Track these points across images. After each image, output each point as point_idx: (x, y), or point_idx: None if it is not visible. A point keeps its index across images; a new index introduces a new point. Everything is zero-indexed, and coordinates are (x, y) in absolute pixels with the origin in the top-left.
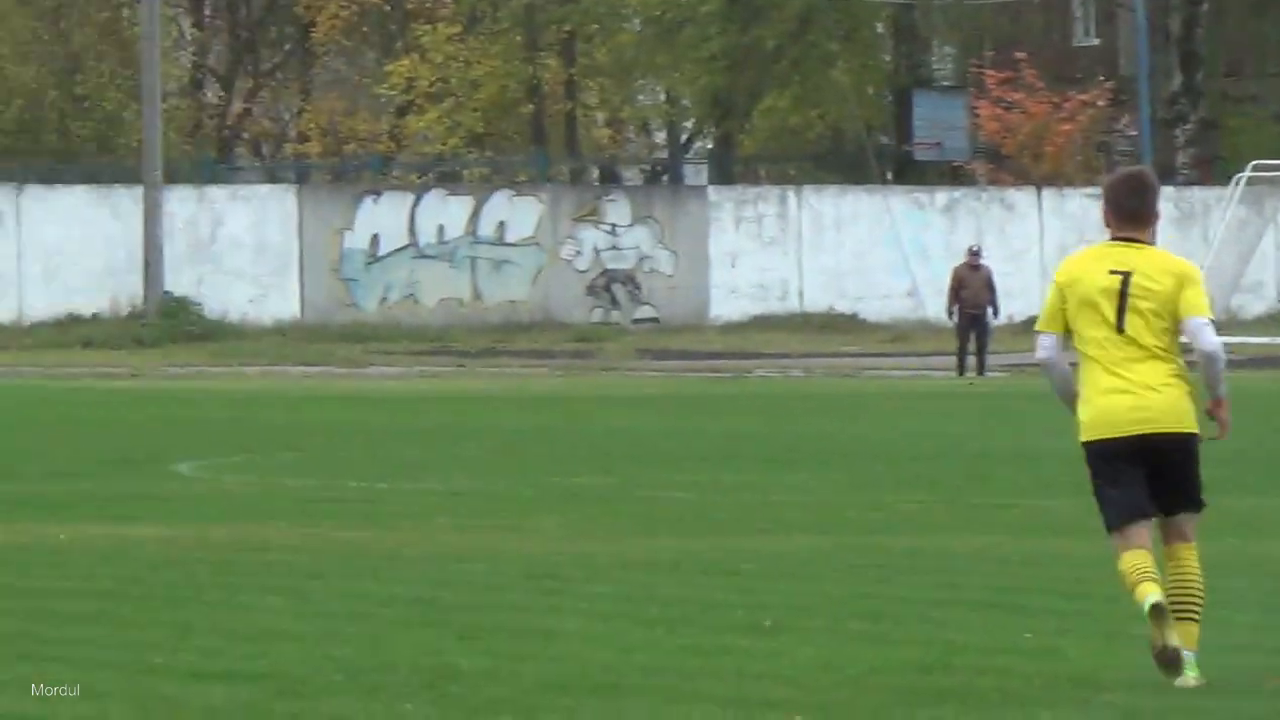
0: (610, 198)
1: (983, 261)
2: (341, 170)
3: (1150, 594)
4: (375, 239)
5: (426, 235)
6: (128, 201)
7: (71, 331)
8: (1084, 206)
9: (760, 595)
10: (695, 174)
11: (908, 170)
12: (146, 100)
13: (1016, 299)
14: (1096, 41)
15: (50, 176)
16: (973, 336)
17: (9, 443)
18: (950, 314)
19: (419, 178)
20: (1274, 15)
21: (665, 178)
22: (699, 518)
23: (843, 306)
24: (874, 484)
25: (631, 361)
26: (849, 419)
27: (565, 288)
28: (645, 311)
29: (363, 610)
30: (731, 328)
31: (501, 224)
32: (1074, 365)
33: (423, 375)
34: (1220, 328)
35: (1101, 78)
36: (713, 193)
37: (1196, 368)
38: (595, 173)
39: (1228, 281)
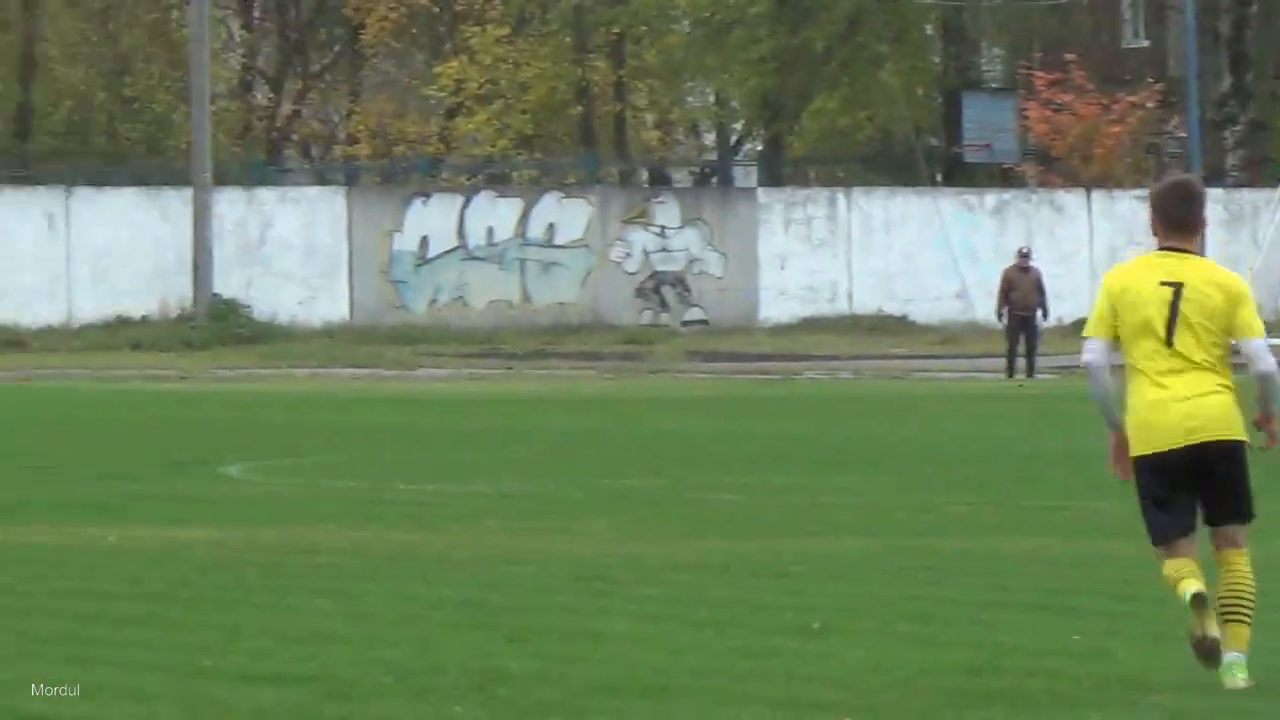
0: (659, 200)
1: (1032, 263)
2: (391, 172)
3: (1191, 586)
4: (424, 241)
5: (476, 237)
6: (177, 204)
7: (120, 334)
8: (1133, 208)
9: (809, 597)
10: (744, 176)
11: (957, 172)
12: (195, 102)
13: (1066, 301)
14: (1146, 43)
15: (99, 179)
16: (1022, 338)
17: (58, 445)
18: (1000, 316)
19: (468, 180)
20: None
21: (714, 180)
22: (748, 520)
23: (892, 308)
24: (923, 486)
25: (681, 364)
26: (898, 421)
27: (614, 290)
28: (694, 313)
29: (412, 613)
30: (781, 330)
31: (551, 226)
32: (1117, 367)
33: (472, 377)
34: (1268, 328)
35: (1151, 79)
36: (762, 195)
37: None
38: (644, 175)
39: (1275, 282)
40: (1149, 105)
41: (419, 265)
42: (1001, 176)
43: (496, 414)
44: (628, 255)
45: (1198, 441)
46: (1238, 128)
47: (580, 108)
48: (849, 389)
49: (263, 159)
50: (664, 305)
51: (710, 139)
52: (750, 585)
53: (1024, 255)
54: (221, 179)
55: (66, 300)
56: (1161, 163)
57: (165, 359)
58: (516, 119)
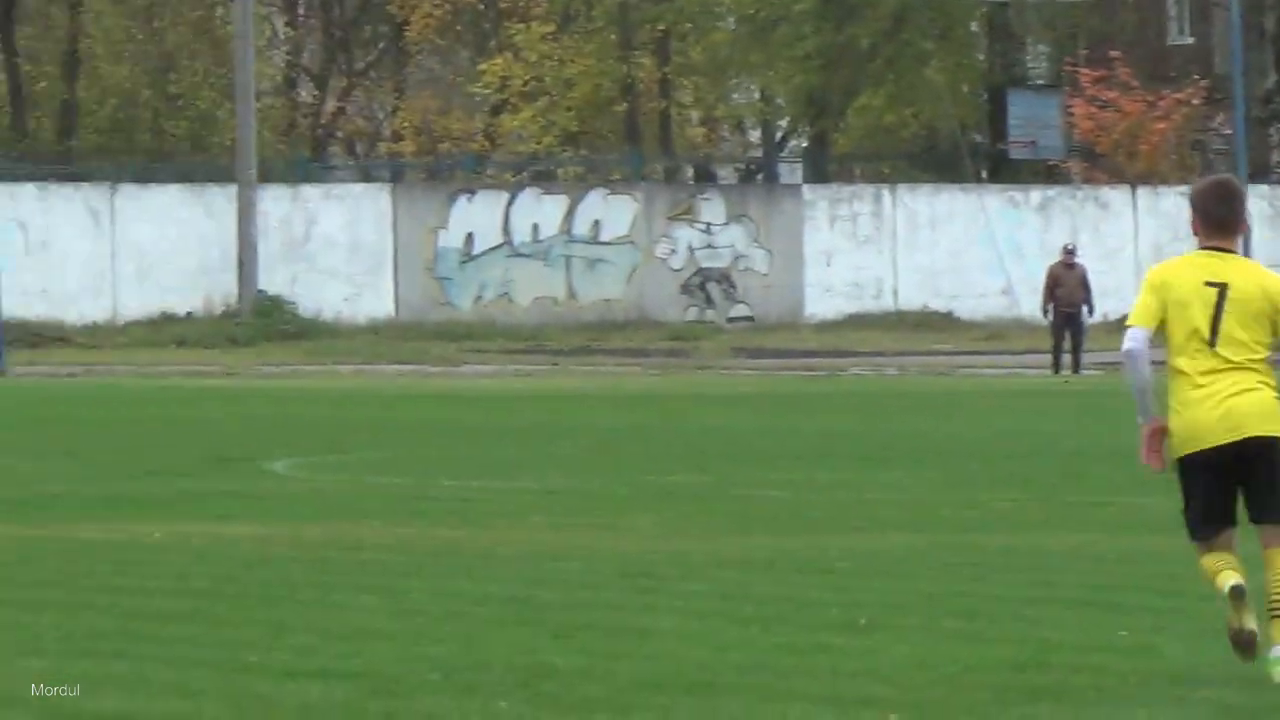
0: (705, 196)
1: (1077, 260)
2: (436, 169)
3: (1230, 579)
4: (470, 238)
5: (521, 234)
6: (221, 200)
7: (165, 331)
8: (1178, 205)
9: (855, 593)
10: (790, 172)
11: (1002, 169)
12: (240, 99)
13: (1111, 297)
14: (1191, 40)
15: (144, 176)
16: (1067, 335)
17: (103, 442)
18: (1045, 312)
19: (513, 176)
20: None
21: (760, 176)
22: (794, 516)
23: (937, 305)
24: (969, 482)
25: (726, 360)
26: (943, 417)
27: (660, 286)
28: (740, 310)
29: (457, 609)
30: (826, 326)
31: (596, 223)
32: (1157, 363)
33: (517, 374)
34: None
35: (1196, 76)
36: (807, 191)
37: None
38: (690, 171)
39: None
40: (1194, 102)
41: (464, 262)
42: (1046, 173)
43: (541, 410)
44: (673, 252)
45: (1238, 439)
46: None
47: (625, 104)
48: (894, 385)
49: (307, 156)
50: (709, 302)
51: (755, 136)
52: (795, 581)
53: (1069, 252)
54: (266, 176)
55: (111, 297)
56: (1206, 159)
57: (210, 355)
58: (562, 116)
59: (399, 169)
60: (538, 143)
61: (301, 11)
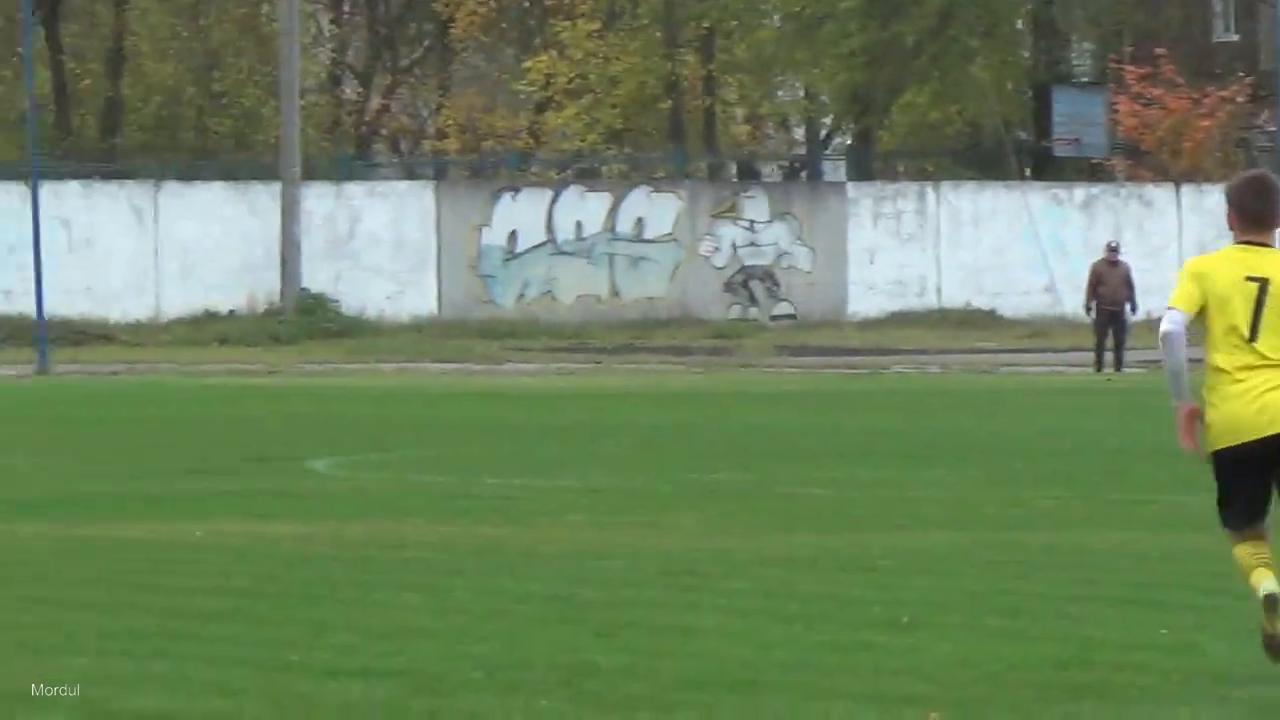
0: (748, 194)
1: (1121, 258)
2: (480, 167)
3: (1265, 583)
4: (513, 235)
5: (564, 232)
6: (265, 198)
7: (208, 328)
8: (1222, 203)
9: (898, 591)
10: (834, 170)
11: (1046, 166)
12: (285, 97)
13: (1154, 295)
14: (1236, 37)
15: (188, 173)
16: (1110, 332)
17: (145, 440)
18: (1088, 310)
19: (557, 174)
20: None
21: (804, 174)
22: (837, 514)
23: (980, 302)
24: (1012, 480)
25: (769, 358)
26: (986, 415)
27: (703, 284)
28: (783, 308)
29: (500, 607)
30: (869, 324)
31: (639, 220)
32: (1194, 363)
33: (560, 372)
34: None
35: (1241, 73)
36: (851, 189)
37: None
38: (734, 169)
39: None
40: (1239, 99)
41: (507, 260)
42: (1090, 171)
43: (585, 409)
44: (716, 250)
45: (1276, 432)
46: None
47: (670, 102)
48: (937, 383)
49: (351, 153)
50: (752, 300)
51: (799, 133)
52: (839, 579)
53: (1113, 249)
54: (310, 174)
55: (155, 295)
56: (1251, 157)
57: (252, 354)
58: (606, 113)
59: (443, 166)
60: (582, 140)
61: (346, 9)
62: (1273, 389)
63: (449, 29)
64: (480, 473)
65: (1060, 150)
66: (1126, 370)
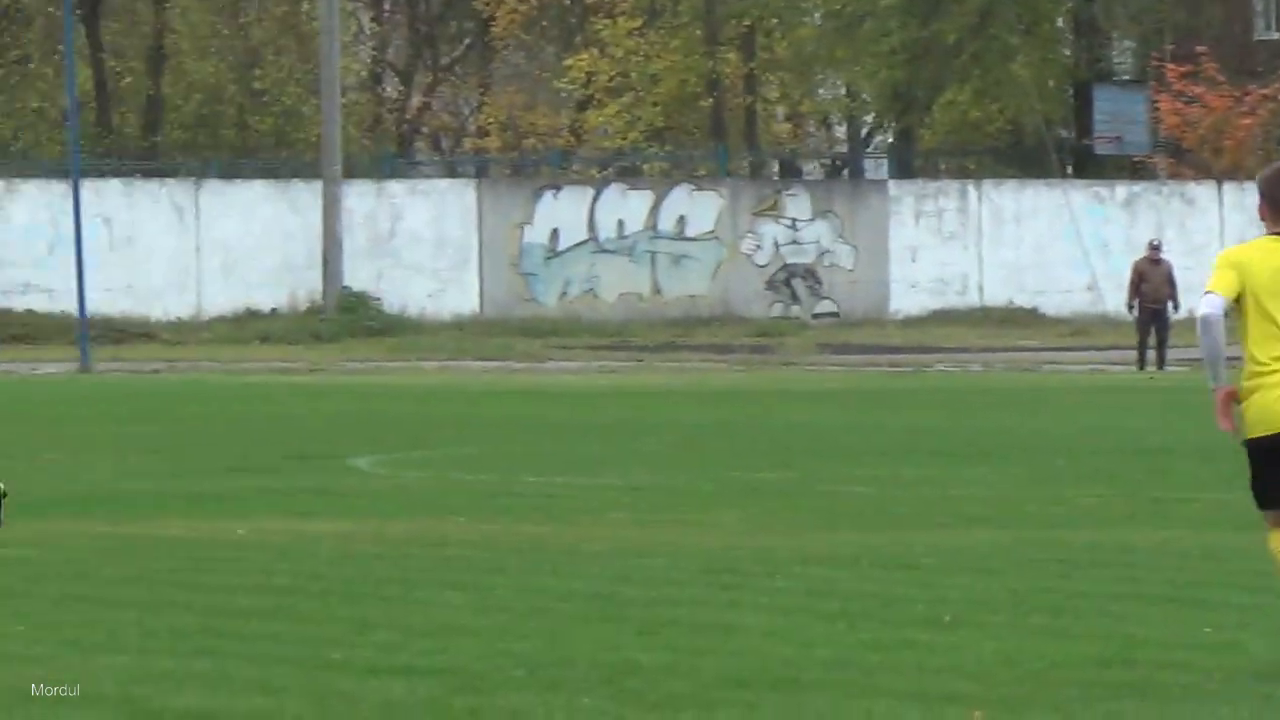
0: (790, 192)
1: (1163, 256)
2: (521, 165)
3: None
4: (555, 233)
5: (606, 230)
6: (306, 196)
7: (249, 326)
8: None
9: (940, 590)
10: (875, 168)
11: (1087, 164)
12: (325, 95)
13: (1197, 293)
14: (1277, 35)
15: (229, 171)
16: (1153, 331)
17: (187, 438)
18: (1130, 308)
19: (599, 172)
20: None
21: (845, 172)
22: (879, 512)
23: (1022, 301)
24: (1054, 478)
25: (811, 356)
26: (1029, 413)
27: (745, 282)
28: (825, 306)
29: (541, 605)
30: (911, 322)
31: (681, 218)
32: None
33: (602, 370)
34: None
35: None
36: (893, 187)
37: None
38: (775, 167)
39: None
40: None
41: (549, 258)
42: (1132, 169)
43: (626, 406)
44: (758, 247)
45: None
46: None
47: (711, 100)
48: (979, 381)
49: (393, 151)
50: (794, 297)
51: (841, 131)
52: (881, 578)
53: (1155, 247)
54: (351, 171)
55: (196, 293)
56: None
57: (294, 351)
58: (647, 111)
59: (484, 165)
60: (623, 138)
61: (387, 7)
62: None
63: (490, 27)
64: (522, 471)
65: (1101, 148)
66: (1169, 368)
